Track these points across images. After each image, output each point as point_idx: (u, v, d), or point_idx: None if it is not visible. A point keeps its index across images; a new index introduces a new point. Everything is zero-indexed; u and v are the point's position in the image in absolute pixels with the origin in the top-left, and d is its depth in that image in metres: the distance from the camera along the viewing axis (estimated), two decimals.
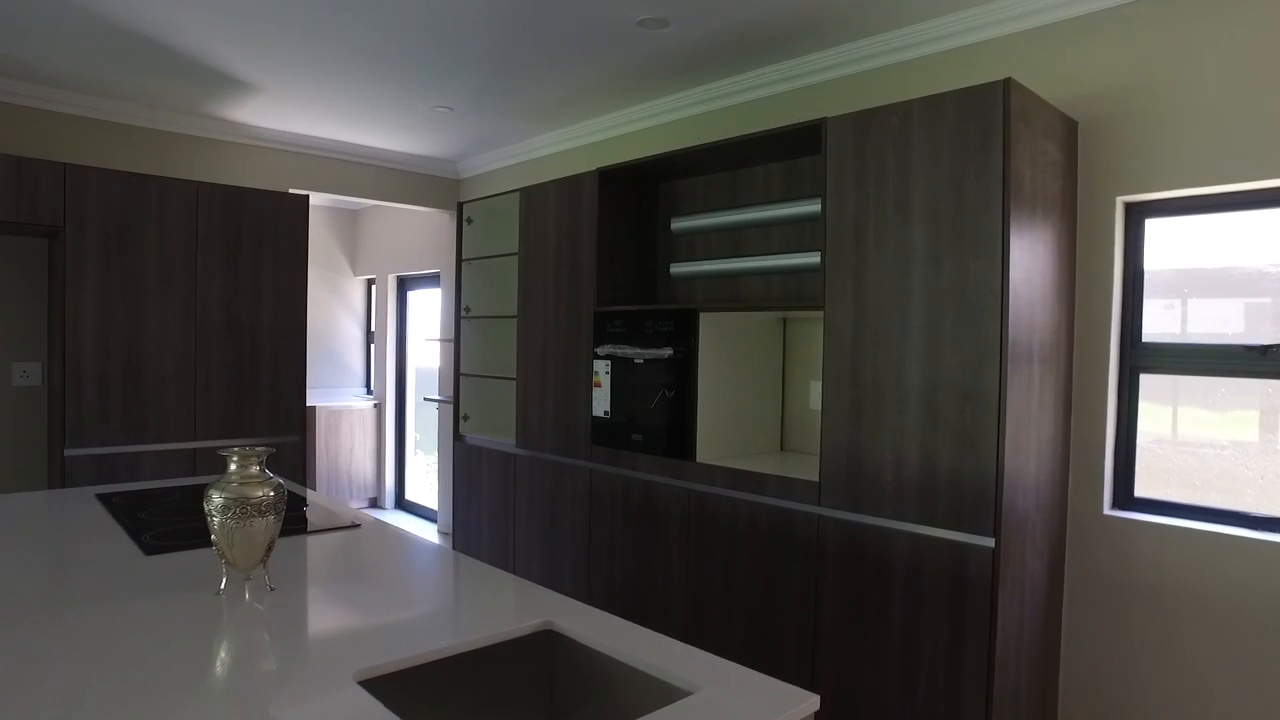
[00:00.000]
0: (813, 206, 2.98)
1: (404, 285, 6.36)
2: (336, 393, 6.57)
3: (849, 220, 2.49)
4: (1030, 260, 2.23)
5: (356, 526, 2.07)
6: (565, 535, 3.57)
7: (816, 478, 2.59)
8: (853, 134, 2.48)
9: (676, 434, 3.03)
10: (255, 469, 1.53)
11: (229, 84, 3.68)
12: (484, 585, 1.61)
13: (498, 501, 4.00)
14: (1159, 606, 2.37)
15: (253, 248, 3.98)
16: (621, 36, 3.03)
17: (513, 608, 1.47)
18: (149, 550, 1.76)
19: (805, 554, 2.61)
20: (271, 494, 1.51)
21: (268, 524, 1.49)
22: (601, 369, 3.34)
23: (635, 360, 3.18)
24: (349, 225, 6.72)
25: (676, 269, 3.52)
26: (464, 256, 4.29)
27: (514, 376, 3.93)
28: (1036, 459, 2.32)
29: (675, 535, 3.05)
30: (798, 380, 3.29)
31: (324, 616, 1.41)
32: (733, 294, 3.41)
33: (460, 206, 4.29)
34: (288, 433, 4.11)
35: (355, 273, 6.71)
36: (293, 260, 4.11)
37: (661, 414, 3.08)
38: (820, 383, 3.08)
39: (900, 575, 2.35)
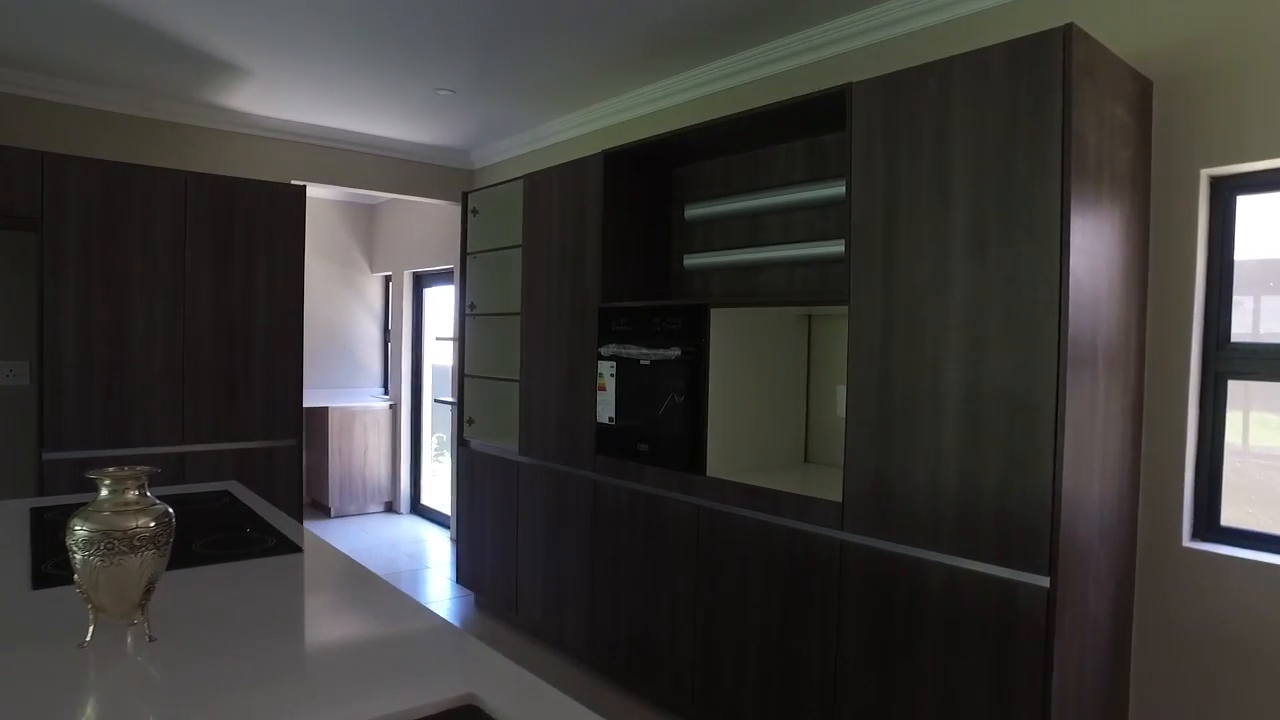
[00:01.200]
0: (838, 189, 2.64)
1: (420, 282, 6.15)
2: (354, 393, 6.39)
3: (877, 201, 2.15)
4: (1094, 244, 1.87)
5: (297, 550, 1.81)
6: (569, 551, 3.28)
7: (839, 497, 2.25)
8: (882, 100, 2.14)
9: (686, 444, 2.72)
10: (133, 494, 1.26)
11: (216, 67, 3.47)
12: (405, 640, 1.32)
13: (501, 512, 3.73)
14: (1248, 658, 1.98)
15: (246, 241, 3.77)
16: (625, 2, 2.72)
17: (432, 671, 1.18)
18: (39, 582, 1.51)
19: (826, 583, 2.27)
20: (151, 524, 1.24)
21: (144, 561, 1.22)
22: (606, 371, 3.04)
23: (641, 361, 2.88)
24: (366, 220, 6.54)
25: (690, 261, 3.21)
26: (469, 250, 4.03)
27: (517, 378, 3.65)
28: (1101, 481, 1.95)
29: (684, 556, 2.73)
30: (824, 384, 2.95)
31: (207, 678, 1.13)
32: (752, 288, 3.08)
33: (465, 197, 4.03)
34: (283, 436, 3.90)
35: (372, 269, 6.53)
36: (289, 254, 3.89)
37: (670, 421, 2.77)
38: (842, 386, 2.74)
39: (936, 614, 2.00)
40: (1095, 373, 1.89)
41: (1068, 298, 1.77)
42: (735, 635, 2.55)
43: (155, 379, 3.54)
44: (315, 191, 6.12)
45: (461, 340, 4.05)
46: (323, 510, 5.98)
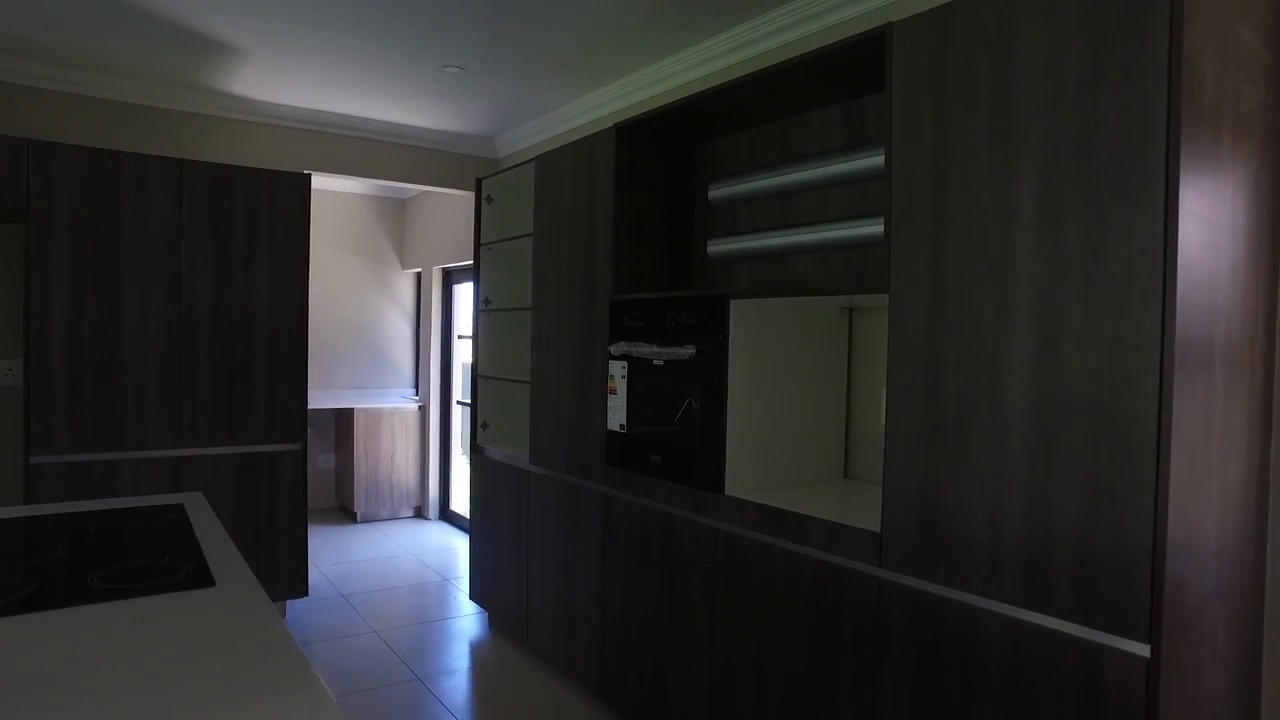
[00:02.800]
0: (880, 158, 2.24)
1: (449, 278, 5.91)
2: (384, 394, 6.20)
3: (923, 165, 1.75)
4: (1212, 210, 1.44)
5: (207, 585, 1.51)
6: (579, 572, 2.94)
7: (876, 525, 1.86)
8: (928, 41, 1.74)
9: (701, 456, 2.35)
10: None
11: (209, 47, 3.26)
12: None
13: (513, 526, 3.42)
14: None
15: (246, 233, 3.55)
16: None
17: None
18: None
19: (861, 629, 1.88)
20: None
21: None
22: (617, 371, 2.69)
23: (654, 361, 2.52)
24: (396, 215, 6.34)
25: (714, 247, 2.83)
26: (483, 241, 3.74)
27: (528, 380, 3.33)
28: (1219, 519, 1.51)
29: (699, 586, 2.37)
30: (869, 387, 2.54)
31: None
32: (782, 277, 2.69)
33: (478, 183, 3.74)
34: (286, 440, 3.67)
35: (404, 265, 6.33)
36: (292, 247, 3.66)
37: (685, 430, 2.41)
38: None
39: (996, 678, 1.59)
40: (1211, 377, 1.46)
41: (1175, 279, 1.35)
42: (755, 681, 2.17)
43: (149, 379, 3.35)
44: (344, 185, 5.95)
45: (476, 339, 3.76)
46: (349, 515, 5.79)
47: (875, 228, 2.26)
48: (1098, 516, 1.44)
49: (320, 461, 6.03)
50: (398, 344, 6.32)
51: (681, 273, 2.97)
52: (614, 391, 2.71)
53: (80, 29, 3.10)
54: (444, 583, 4.39)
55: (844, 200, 2.47)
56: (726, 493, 2.29)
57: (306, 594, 3.75)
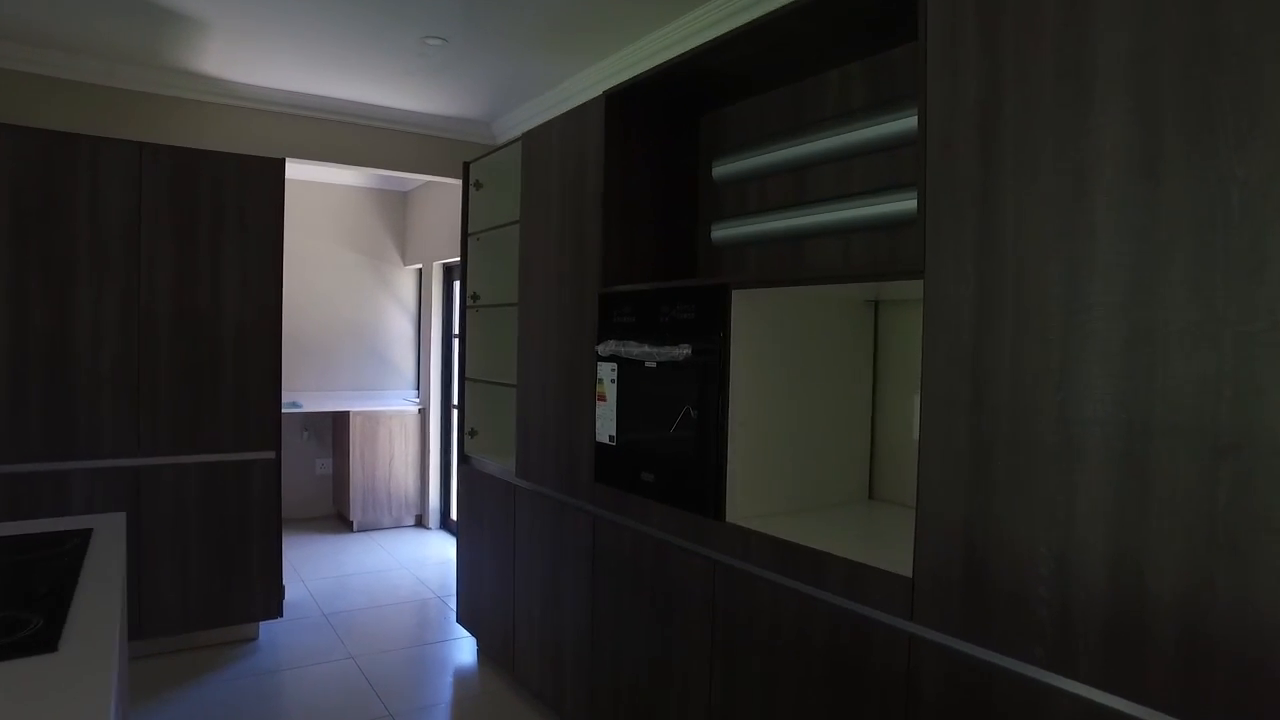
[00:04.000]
0: (912, 119, 1.86)
1: (450, 274, 5.61)
2: (384, 396, 5.92)
3: (968, 116, 1.37)
4: None
5: (46, 651, 1.18)
6: (567, 601, 2.60)
7: (909, 570, 1.49)
8: None
9: (699, 474, 2.00)
10: None
11: (170, 20, 2.96)
12: None
13: (499, 544, 3.09)
14: None
15: (213, 222, 3.26)
16: None
17: None
18: None
19: (886, 693, 1.51)
20: None
21: None
22: (606, 375, 2.35)
23: (646, 364, 2.17)
24: (398, 209, 6.05)
25: (719, 231, 2.47)
26: (470, 230, 3.41)
27: (514, 383, 3.00)
28: None
29: (696, 625, 2.01)
30: (899, 393, 2.17)
31: None
32: (797, 263, 2.32)
33: (466, 168, 3.42)
34: (258, 448, 3.37)
35: (405, 261, 6.04)
36: (265, 237, 3.37)
37: (681, 443, 2.05)
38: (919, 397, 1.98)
39: None
40: None
41: None
42: None
43: (105, 381, 3.06)
44: (342, 177, 5.68)
45: (463, 338, 3.43)
46: (345, 524, 5.51)
47: (907, 202, 1.89)
48: (1213, 578, 1.06)
49: (318, 467, 5.76)
50: (399, 344, 6.03)
51: (682, 262, 2.62)
52: (603, 398, 2.36)
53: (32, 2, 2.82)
54: (436, 601, 4.07)
55: (868, 172, 2.09)
56: (728, 519, 1.93)
57: (280, 615, 3.45)
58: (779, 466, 2.04)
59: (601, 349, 2.31)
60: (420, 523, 5.61)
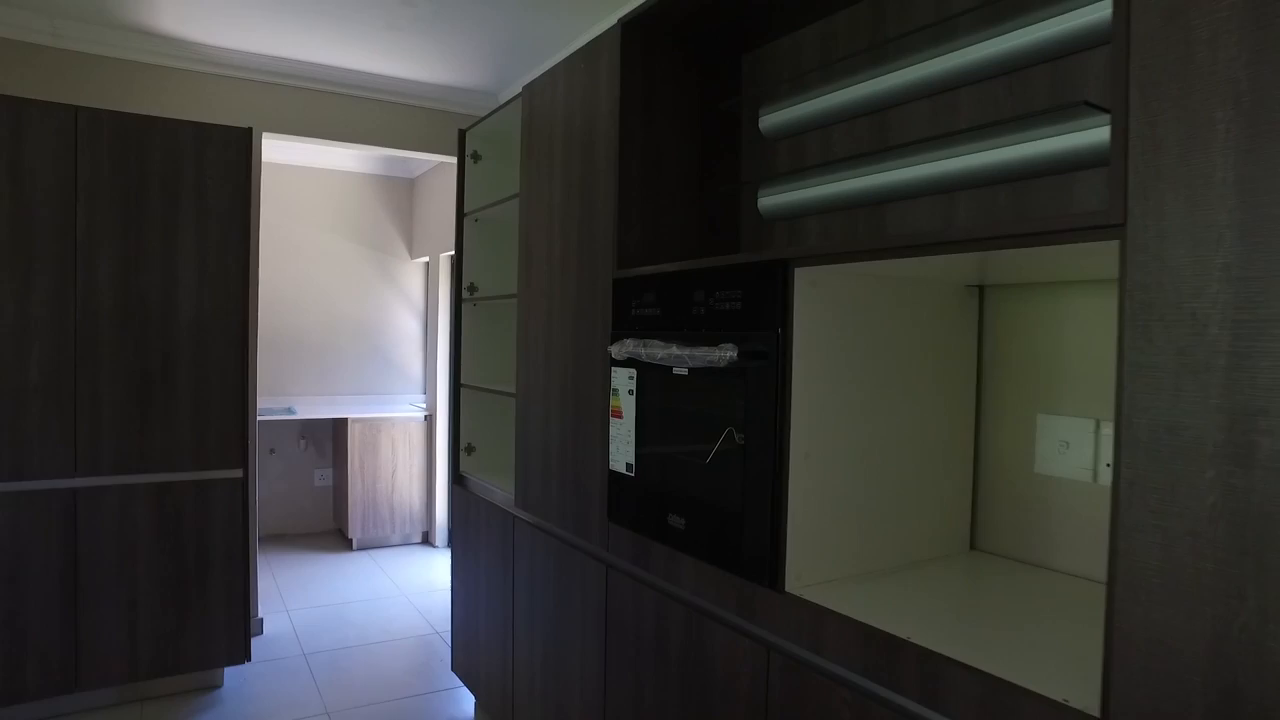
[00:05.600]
0: (1054, 24, 1.29)
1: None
2: (389, 401, 5.44)
3: None
4: None
5: None
6: (574, 667, 2.06)
7: (1093, 706, 0.92)
8: None
9: (747, 523, 1.45)
10: None
11: None
12: None
13: (496, 584, 2.57)
14: None
15: (165, 201, 2.78)
16: None
17: None
18: None
19: None
20: None
21: None
22: (622, 384, 1.81)
23: (675, 370, 1.63)
24: (404, 196, 5.57)
25: (768, 197, 1.92)
26: (466, 209, 2.89)
27: (513, 392, 2.47)
28: None
29: None
30: (1011, 409, 1.60)
31: None
32: (878, 233, 1.75)
33: (462, 136, 2.90)
34: (221, 465, 2.89)
35: (412, 254, 5.55)
36: (229, 218, 2.88)
37: (722, 479, 1.51)
38: (1053, 417, 1.42)
39: None
40: None
41: None
42: None
43: (33, 389, 2.59)
44: (342, 163, 5.21)
45: (457, 336, 2.91)
46: (345, 541, 5.04)
47: (1065, 137, 1.31)
48: None
49: (317, 478, 5.30)
50: (406, 344, 5.55)
51: (720, 238, 2.07)
52: (618, 413, 1.82)
53: None
54: (435, 639, 3.56)
55: (980, 103, 1.52)
56: (787, 587, 1.38)
57: (248, 659, 2.96)
58: (856, 511, 1.48)
59: (616, 351, 1.76)
60: (427, 540, 5.12)
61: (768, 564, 1.40)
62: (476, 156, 2.89)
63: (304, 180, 5.23)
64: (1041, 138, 1.30)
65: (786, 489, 1.38)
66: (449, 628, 3.64)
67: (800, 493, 1.40)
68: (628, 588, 1.82)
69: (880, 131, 1.71)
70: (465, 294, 2.86)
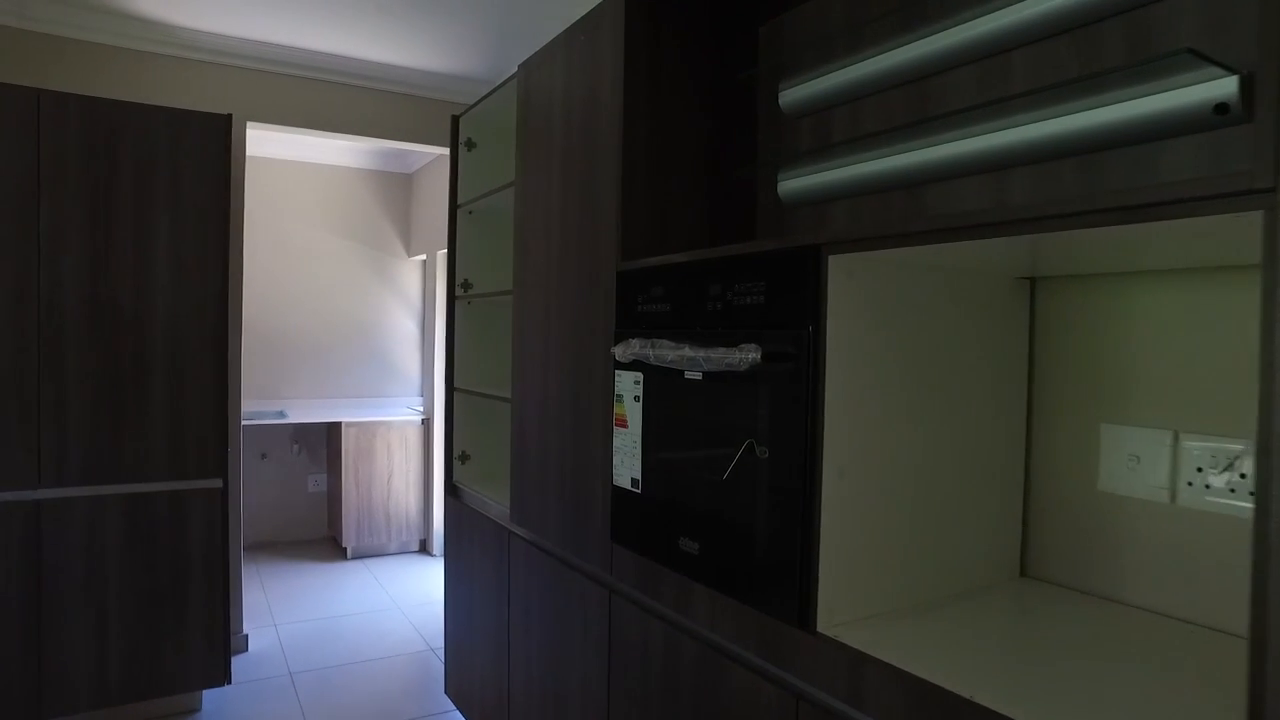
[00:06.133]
0: None
1: None
2: (388, 403, 5.25)
3: None
4: None
5: None
6: (573, 698, 1.87)
7: None
8: None
9: (772, 550, 1.26)
10: None
11: None
12: None
13: (492, 604, 2.38)
14: None
15: (137, 192, 2.60)
16: None
17: None
18: None
19: None
20: None
21: None
22: (627, 389, 1.61)
23: (687, 374, 1.43)
24: (401, 193, 5.38)
25: (790, 181, 1.73)
26: (460, 201, 2.71)
27: (509, 396, 2.28)
28: None
29: None
30: (1065, 418, 1.41)
31: None
32: (916, 215, 1.56)
33: (455, 123, 2.71)
34: (200, 474, 2.70)
35: (410, 252, 5.37)
36: (206, 210, 2.69)
37: (742, 497, 1.32)
38: (1120, 428, 1.23)
39: None
40: None
41: None
42: None
43: None
44: (335, 157, 5.03)
45: (450, 336, 2.72)
46: (340, 550, 4.85)
47: (1141, 103, 1.12)
48: None
49: (310, 484, 5.11)
50: (403, 345, 5.37)
51: (735, 227, 1.87)
52: (622, 422, 1.63)
53: None
54: (429, 656, 3.37)
55: (1039, 68, 1.32)
56: (820, 627, 1.19)
57: (228, 681, 2.77)
58: (896, 536, 1.29)
59: (620, 352, 1.57)
60: (424, 548, 4.93)
61: (796, 599, 1.21)
62: (470, 144, 2.70)
63: (297, 175, 5.05)
64: (1128, 99, 1.11)
65: (818, 511, 1.19)
66: (442, 643, 3.45)
67: (834, 515, 1.20)
68: (633, 616, 1.63)
69: (918, 103, 1.52)
70: (459, 291, 2.67)
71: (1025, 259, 1.23)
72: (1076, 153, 1.21)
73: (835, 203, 1.69)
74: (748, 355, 1.24)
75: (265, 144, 4.78)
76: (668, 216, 1.75)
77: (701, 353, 1.33)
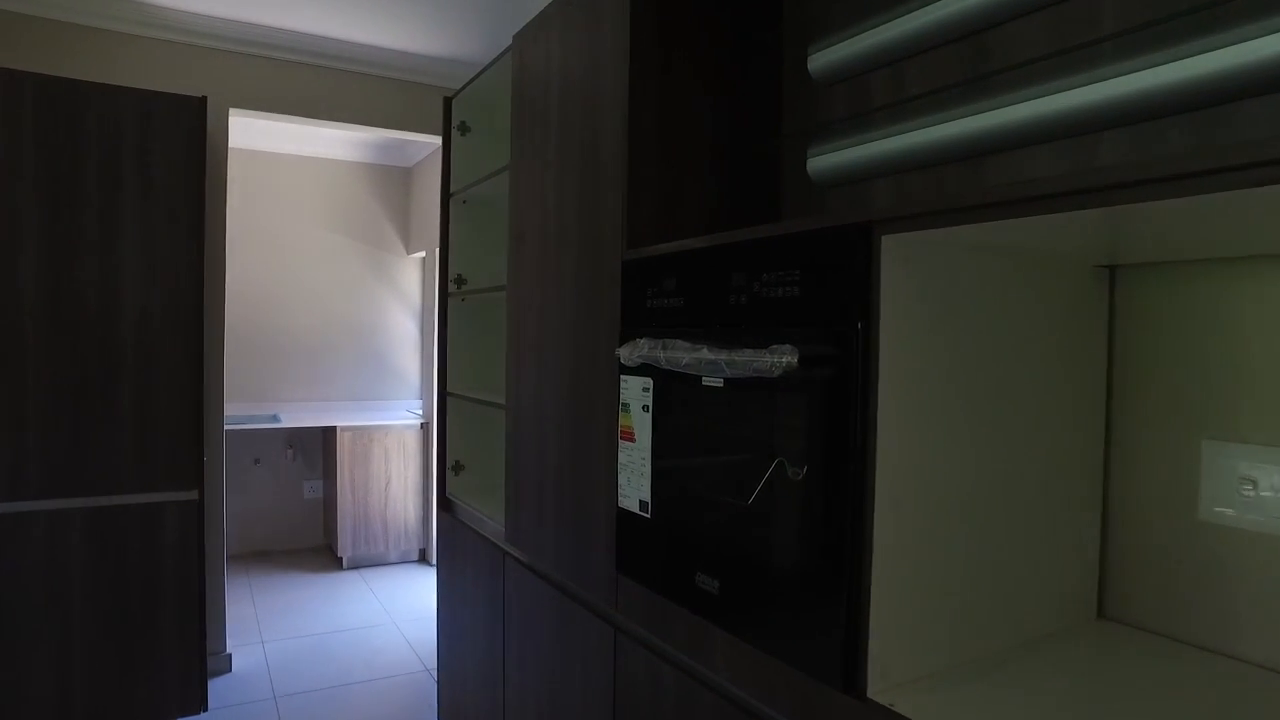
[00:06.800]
0: None
1: None
2: (385, 407, 5.05)
3: None
4: None
5: None
6: None
7: None
8: None
9: (810, 596, 1.03)
10: None
11: None
12: None
13: (485, 631, 2.16)
14: None
15: (102, 178, 2.40)
16: None
17: None
18: None
19: None
20: None
21: None
22: (635, 396, 1.39)
23: (705, 380, 1.21)
24: (399, 187, 5.18)
25: (821, 158, 1.51)
26: (452, 189, 2.49)
27: (504, 403, 2.06)
28: None
29: None
30: (1154, 432, 1.19)
31: None
32: (976, 189, 1.33)
33: (447, 105, 2.50)
34: (173, 485, 2.50)
35: (409, 250, 5.17)
36: (179, 199, 2.49)
37: (775, 527, 1.10)
38: (1228, 445, 1.01)
39: None
40: None
41: None
42: None
43: None
44: (330, 149, 4.83)
45: (443, 336, 2.51)
46: (334, 560, 4.65)
47: (1259, 45, 0.89)
48: None
49: (306, 490, 4.92)
50: (402, 346, 5.17)
51: (754, 210, 1.65)
52: (629, 435, 1.41)
53: None
54: (424, 678, 3.16)
55: (1128, 9, 1.10)
56: (871, 693, 0.97)
57: (204, 708, 2.57)
58: (960, 577, 1.07)
59: (627, 354, 1.35)
60: (424, 558, 4.72)
61: (840, 655, 0.99)
62: (464, 128, 2.49)
63: (290, 169, 4.86)
64: (1258, 35, 0.88)
65: (870, 549, 0.97)
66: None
67: (888, 554, 0.98)
68: (642, 660, 1.41)
69: (976, 59, 1.29)
70: (452, 287, 2.46)
71: (1106, 241, 1.01)
72: (1192, 107, 0.99)
73: (876, 181, 1.46)
74: (781, 358, 1.02)
75: (256, 136, 4.58)
76: (679, 199, 1.53)
77: (723, 355, 1.11)
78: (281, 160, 4.82)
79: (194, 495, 2.54)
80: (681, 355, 1.20)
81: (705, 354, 1.15)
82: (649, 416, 1.36)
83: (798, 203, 1.62)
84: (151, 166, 2.45)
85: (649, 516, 1.36)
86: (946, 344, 1.03)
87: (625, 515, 1.43)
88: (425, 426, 4.69)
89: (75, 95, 2.34)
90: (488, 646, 2.13)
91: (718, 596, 1.20)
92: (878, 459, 0.97)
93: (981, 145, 1.22)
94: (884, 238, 0.96)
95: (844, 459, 0.98)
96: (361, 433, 4.49)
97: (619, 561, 1.46)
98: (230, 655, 3.15)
